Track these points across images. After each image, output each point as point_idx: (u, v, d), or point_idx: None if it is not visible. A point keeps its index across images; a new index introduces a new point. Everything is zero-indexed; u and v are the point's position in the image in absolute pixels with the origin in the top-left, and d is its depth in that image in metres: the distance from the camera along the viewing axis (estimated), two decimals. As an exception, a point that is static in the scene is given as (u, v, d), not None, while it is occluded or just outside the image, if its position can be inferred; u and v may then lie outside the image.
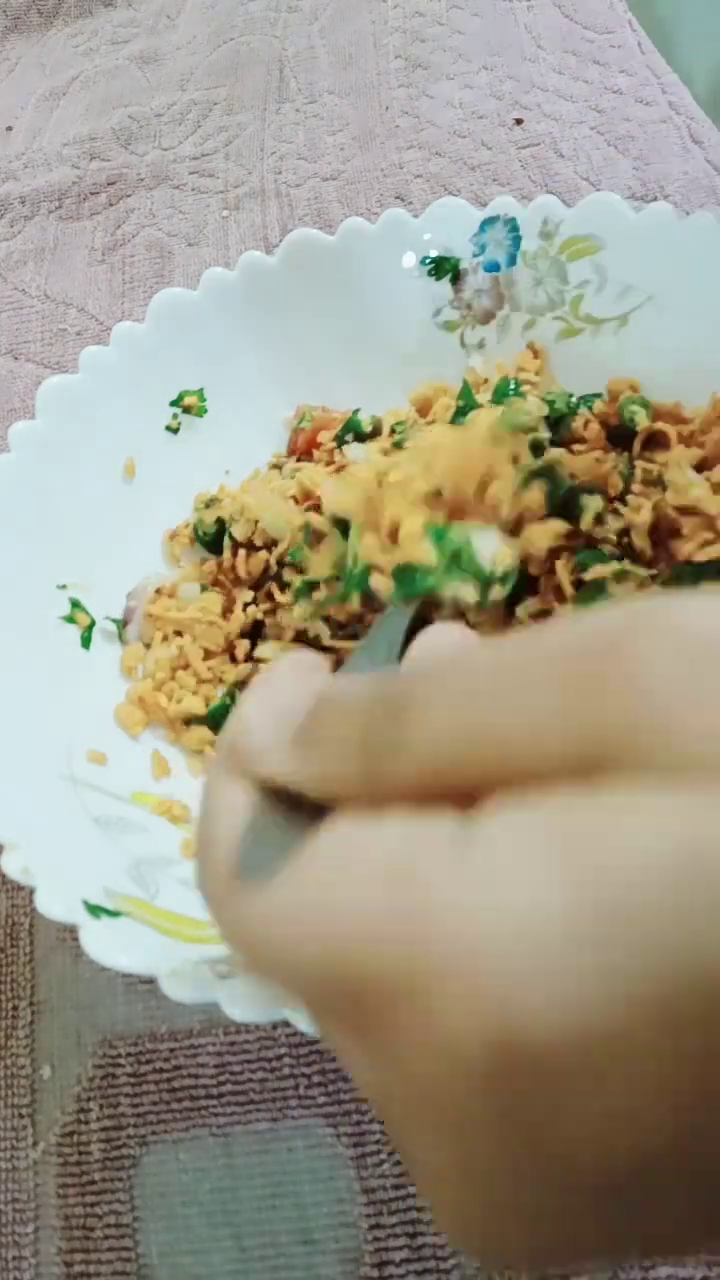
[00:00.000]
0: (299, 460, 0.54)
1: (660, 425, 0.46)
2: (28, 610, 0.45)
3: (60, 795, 0.40)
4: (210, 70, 0.88)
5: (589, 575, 0.41)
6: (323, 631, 0.45)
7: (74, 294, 0.73)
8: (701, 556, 0.40)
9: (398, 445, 0.49)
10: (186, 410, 0.54)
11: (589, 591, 0.41)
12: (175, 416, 0.53)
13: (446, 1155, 0.17)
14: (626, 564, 0.41)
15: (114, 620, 0.49)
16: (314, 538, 0.48)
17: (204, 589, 0.51)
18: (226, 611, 0.50)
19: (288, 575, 0.49)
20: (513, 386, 0.48)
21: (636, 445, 0.47)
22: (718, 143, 0.66)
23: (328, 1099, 0.39)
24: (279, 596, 0.49)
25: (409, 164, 0.72)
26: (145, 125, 0.85)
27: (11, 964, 0.45)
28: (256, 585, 0.51)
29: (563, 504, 0.41)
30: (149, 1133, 0.40)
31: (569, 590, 0.41)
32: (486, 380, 0.53)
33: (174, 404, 0.53)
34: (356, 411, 0.53)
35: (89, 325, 0.71)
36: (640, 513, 0.41)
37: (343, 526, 0.41)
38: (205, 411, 0.54)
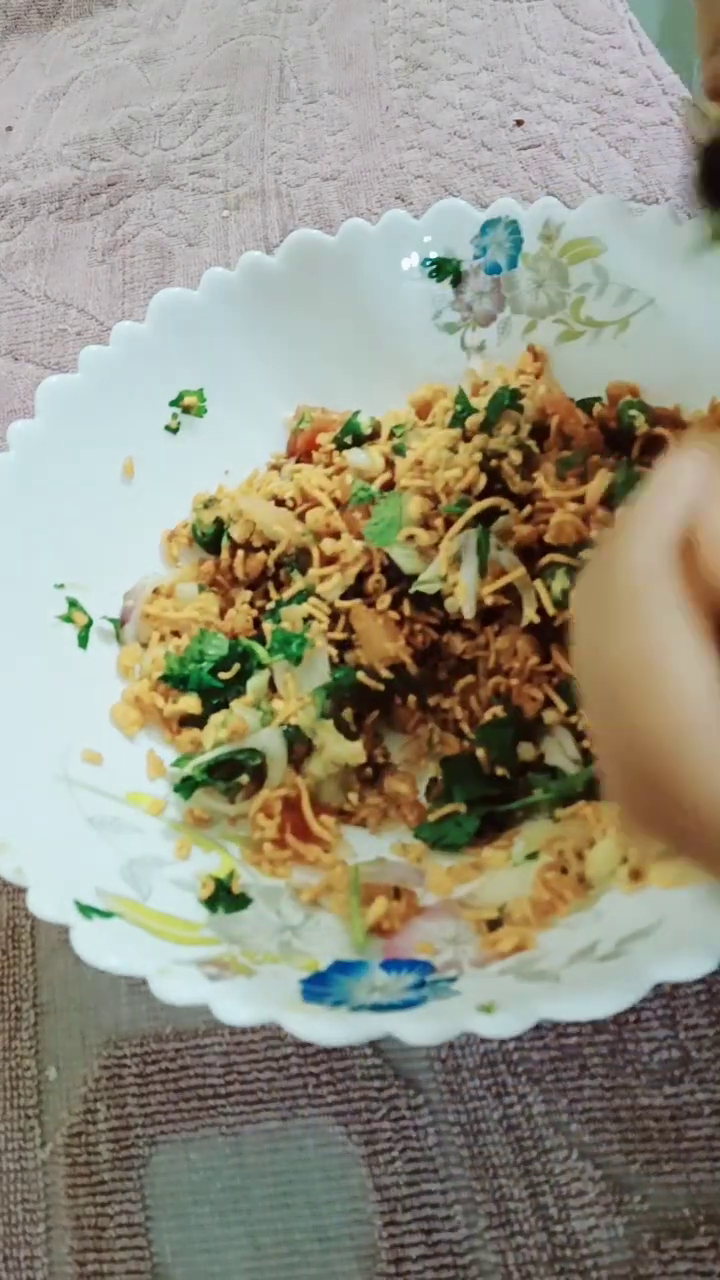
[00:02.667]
0: (298, 462, 0.54)
1: (659, 430, 0.46)
2: (25, 609, 0.45)
3: (55, 795, 0.40)
4: (210, 70, 0.88)
5: None
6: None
7: (74, 294, 0.73)
8: None
9: (398, 450, 0.49)
10: (186, 410, 0.54)
11: None
12: (175, 416, 0.53)
13: None
14: None
15: (111, 620, 0.49)
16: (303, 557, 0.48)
17: (202, 589, 0.51)
18: (224, 612, 0.50)
19: (285, 576, 0.49)
20: (508, 398, 0.48)
21: (635, 450, 0.47)
22: (717, 144, 0.66)
23: (337, 1097, 0.39)
24: (276, 597, 0.49)
25: (409, 164, 0.72)
26: (145, 125, 0.85)
27: (14, 966, 0.45)
28: (254, 585, 0.51)
29: None
30: (158, 1133, 0.40)
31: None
32: (486, 383, 0.53)
33: (174, 404, 0.53)
34: (356, 413, 0.53)
35: (89, 325, 0.71)
36: None
37: None
38: (205, 411, 0.54)
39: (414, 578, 0.44)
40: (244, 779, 0.43)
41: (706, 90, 0.28)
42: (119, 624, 0.49)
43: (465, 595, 0.42)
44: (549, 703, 0.42)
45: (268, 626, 0.47)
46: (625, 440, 0.47)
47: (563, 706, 0.41)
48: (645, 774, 0.19)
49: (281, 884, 0.40)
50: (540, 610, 0.42)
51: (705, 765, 0.18)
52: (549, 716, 0.41)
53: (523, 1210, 0.36)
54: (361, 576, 0.47)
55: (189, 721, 0.46)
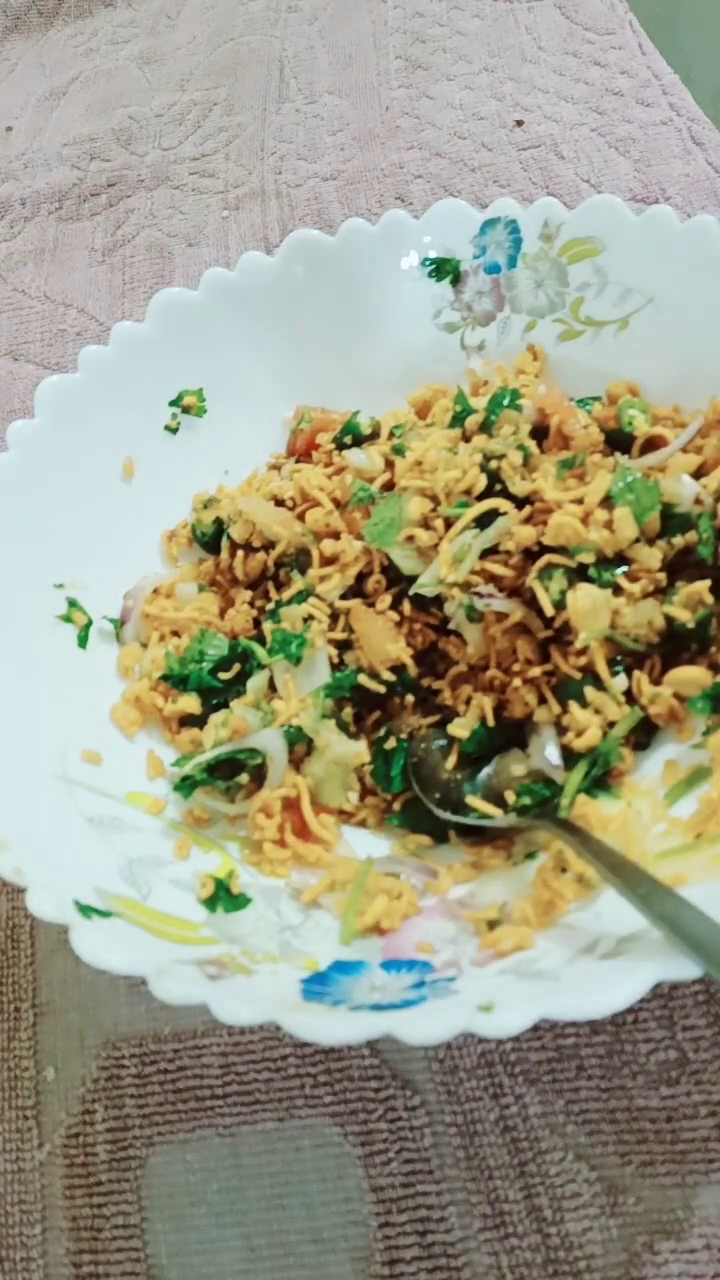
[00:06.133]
0: (298, 462, 0.54)
1: (658, 430, 0.46)
2: (24, 609, 0.45)
3: (54, 795, 0.40)
4: (210, 70, 0.88)
5: None
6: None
7: (74, 294, 0.73)
8: None
9: (398, 450, 0.49)
10: (186, 410, 0.54)
11: None
12: (175, 416, 0.53)
13: None
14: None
15: (111, 620, 0.49)
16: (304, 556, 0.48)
17: (201, 589, 0.51)
18: (224, 612, 0.50)
19: (285, 576, 0.49)
20: (508, 398, 0.48)
21: (635, 450, 0.47)
22: (719, 144, 0.66)
23: (334, 1098, 0.39)
24: (276, 597, 0.49)
25: (409, 164, 0.72)
26: (145, 125, 0.85)
27: (13, 966, 0.45)
28: (254, 585, 0.51)
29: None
30: (155, 1133, 0.40)
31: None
32: (486, 383, 0.53)
33: (173, 404, 0.53)
34: (356, 413, 0.53)
35: (89, 325, 0.71)
36: None
37: None
38: (205, 411, 0.54)
39: (414, 578, 0.44)
40: (244, 779, 0.43)
41: None
42: (119, 624, 0.49)
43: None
44: (541, 700, 0.42)
45: (268, 626, 0.47)
46: (625, 440, 0.47)
47: (555, 708, 0.41)
48: None
49: (281, 884, 0.40)
50: (539, 611, 0.42)
51: None
52: (540, 715, 0.41)
53: (517, 1212, 0.36)
54: (361, 577, 0.47)
55: (189, 721, 0.46)
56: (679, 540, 0.42)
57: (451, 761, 0.42)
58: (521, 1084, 0.38)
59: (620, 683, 0.41)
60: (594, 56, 0.74)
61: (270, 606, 0.48)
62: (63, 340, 0.70)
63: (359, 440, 0.52)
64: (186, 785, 0.43)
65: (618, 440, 0.47)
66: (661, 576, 0.41)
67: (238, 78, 0.86)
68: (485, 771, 0.42)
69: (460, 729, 0.42)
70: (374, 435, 0.52)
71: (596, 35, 0.76)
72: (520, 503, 0.43)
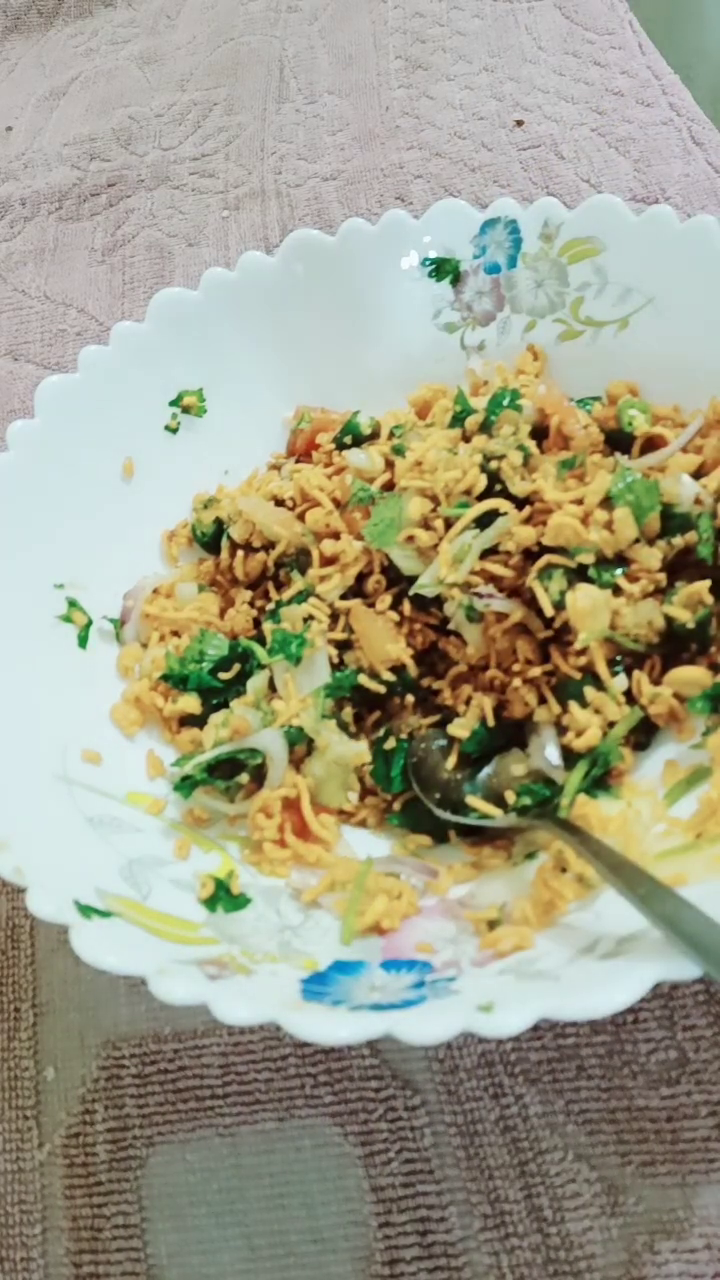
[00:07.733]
0: (298, 462, 0.54)
1: (659, 430, 0.46)
2: (24, 609, 0.45)
3: (54, 795, 0.40)
4: (210, 70, 0.88)
5: None
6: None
7: (74, 294, 0.73)
8: None
9: (398, 450, 0.49)
10: (186, 410, 0.54)
11: None
12: (175, 416, 0.53)
13: None
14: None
15: (111, 620, 0.49)
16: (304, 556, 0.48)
17: (201, 589, 0.51)
18: (224, 612, 0.50)
19: (285, 576, 0.49)
20: (508, 398, 0.48)
21: (635, 450, 0.47)
22: (719, 144, 0.66)
23: (334, 1098, 0.39)
24: (276, 597, 0.49)
25: (409, 164, 0.72)
26: (145, 125, 0.85)
27: (13, 966, 0.45)
28: (254, 586, 0.51)
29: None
30: (155, 1133, 0.40)
31: None
32: (486, 383, 0.53)
33: (173, 404, 0.53)
34: (356, 413, 0.53)
35: (89, 325, 0.71)
36: None
37: None
38: (205, 411, 0.54)
39: (414, 578, 0.44)
40: (244, 779, 0.43)
41: None
42: (119, 624, 0.49)
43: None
44: (541, 700, 0.42)
45: (268, 627, 0.47)
46: (625, 440, 0.47)
47: (555, 708, 0.41)
48: None
49: (281, 884, 0.40)
50: (539, 611, 0.42)
51: None
52: (540, 715, 0.42)
53: (518, 1212, 0.36)
54: (361, 577, 0.47)
55: (189, 721, 0.46)
56: (679, 540, 0.42)
57: (451, 761, 0.42)
58: (522, 1084, 0.38)
59: (620, 683, 0.41)
60: (594, 56, 0.74)
61: (270, 606, 0.48)
62: (63, 340, 0.70)
63: (359, 440, 0.52)
64: (186, 785, 0.43)
65: (618, 440, 0.47)
66: (661, 577, 0.41)
67: (238, 78, 0.86)
68: (485, 771, 0.42)
69: (460, 729, 0.42)
70: (374, 435, 0.52)
71: (596, 35, 0.76)
72: (520, 503, 0.43)
